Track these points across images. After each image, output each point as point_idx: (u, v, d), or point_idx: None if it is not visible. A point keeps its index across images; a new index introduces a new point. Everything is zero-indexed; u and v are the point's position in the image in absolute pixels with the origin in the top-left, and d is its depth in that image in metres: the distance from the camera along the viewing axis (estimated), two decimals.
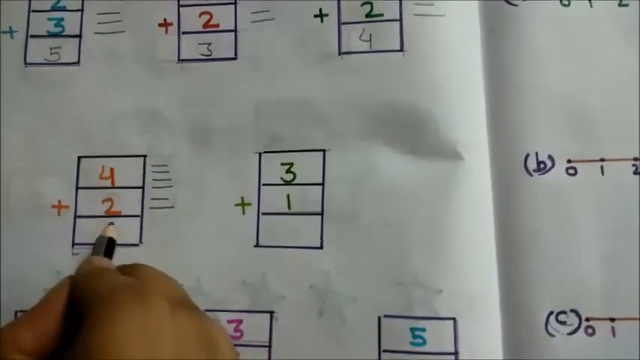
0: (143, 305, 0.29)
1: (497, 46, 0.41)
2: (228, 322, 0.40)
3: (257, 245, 0.40)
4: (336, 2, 0.42)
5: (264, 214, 0.41)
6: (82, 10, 0.44)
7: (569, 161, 0.40)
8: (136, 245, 0.41)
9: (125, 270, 0.34)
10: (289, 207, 0.41)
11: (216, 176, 0.41)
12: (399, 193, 0.39)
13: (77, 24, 0.44)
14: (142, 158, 0.42)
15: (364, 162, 0.40)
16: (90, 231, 0.41)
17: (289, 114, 0.41)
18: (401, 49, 0.41)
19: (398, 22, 0.41)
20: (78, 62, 0.43)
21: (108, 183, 0.42)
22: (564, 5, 0.42)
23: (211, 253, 0.40)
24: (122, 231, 0.41)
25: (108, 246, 0.39)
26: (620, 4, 0.42)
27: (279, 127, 0.41)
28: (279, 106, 0.41)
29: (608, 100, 0.41)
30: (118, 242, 0.41)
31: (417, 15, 0.41)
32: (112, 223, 0.41)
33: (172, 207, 0.41)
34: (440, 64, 0.40)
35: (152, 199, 0.41)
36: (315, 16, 0.42)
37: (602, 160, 0.40)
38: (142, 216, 0.41)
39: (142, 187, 0.42)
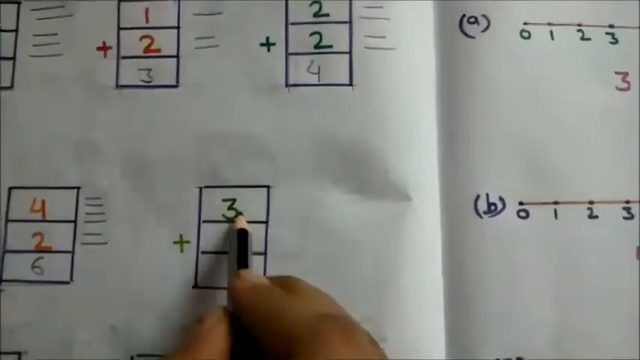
0: (354, 343, 0.26)
1: (451, 82, 0.40)
2: None
3: (195, 286, 0.39)
4: (283, 31, 0.40)
5: (203, 252, 0.39)
6: (16, 30, 0.42)
7: (520, 203, 0.39)
8: (66, 283, 0.39)
9: (282, 286, 0.31)
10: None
11: (153, 211, 0.39)
12: (345, 234, 0.38)
13: (11, 45, 0.42)
14: (75, 190, 0.40)
15: (310, 200, 0.39)
16: (18, 267, 0.39)
17: (232, 147, 0.40)
18: (350, 84, 0.40)
19: (347, 55, 0.40)
20: (11, 86, 0.41)
21: (39, 216, 0.40)
22: (524, 38, 0.41)
23: (146, 293, 0.38)
24: (51, 268, 0.39)
25: (241, 240, 0.36)
26: (582, 38, 0.41)
27: (221, 160, 0.39)
28: (221, 139, 0.40)
29: (564, 140, 0.40)
30: (47, 280, 0.39)
31: (367, 48, 0.40)
32: (240, 213, 0.38)
33: (105, 243, 0.39)
34: (390, 100, 0.39)
35: (84, 234, 0.39)
36: (262, 44, 0.41)
37: (556, 202, 0.39)
38: (73, 252, 0.39)
39: (75, 221, 0.40)
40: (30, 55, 0.41)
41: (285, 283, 0.31)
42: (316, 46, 0.40)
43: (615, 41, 0.41)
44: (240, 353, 0.29)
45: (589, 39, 0.41)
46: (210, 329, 0.29)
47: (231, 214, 0.39)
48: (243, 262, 0.35)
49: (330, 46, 0.40)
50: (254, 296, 0.30)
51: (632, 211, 0.39)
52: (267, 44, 0.41)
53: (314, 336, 0.26)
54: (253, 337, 0.28)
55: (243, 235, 0.36)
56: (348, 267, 0.38)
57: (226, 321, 0.29)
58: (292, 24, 0.41)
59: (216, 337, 0.29)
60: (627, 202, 0.39)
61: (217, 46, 0.41)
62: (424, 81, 0.40)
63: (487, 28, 0.41)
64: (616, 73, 0.41)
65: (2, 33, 0.42)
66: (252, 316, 0.29)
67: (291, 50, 0.40)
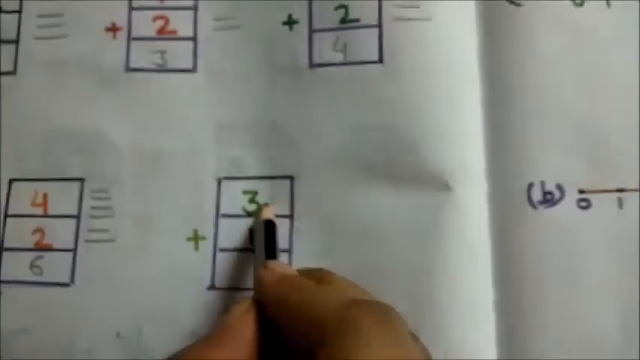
0: (390, 327, 0.25)
1: (496, 56, 0.38)
2: None
3: (211, 287, 0.36)
4: (307, 6, 0.39)
5: (221, 250, 0.37)
6: (19, 11, 0.40)
7: (581, 192, 0.36)
8: (67, 285, 0.37)
9: (313, 278, 0.30)
10: (252, 243, 0.37)
11: (165, 205, 0.37)
12: (377, 230, 0.36)
13: (14, 27, 0.40)
14: (79, 182, 0.38)
15: (338, 192, 0.37)
16: (15, 267, 0.37)
17: (254, 136, 0.38)
18: (380, 61, 0.37)
19: (377, 29, 0.37)
20: (14, 72, 0.40)
21: (40, 211, 0.38)
22: (577, 5, 0.38)
23: (157, 296, 0.36)
24: (51, 268, 0.37)
25: (268, 232, 0.34)
26: None
27: (241, 150, 0.38)
28: (242, 127, 0.38)
29: (628, 119, 0.37)
30: (46, 281, 0.37)
31: (398, 19, 0.37)
32: (266, 203, 0.37)
33: (113, 240, 0.37)
34: (426, 79, 0.37)
35: (89, 230, 0.37)
36: (284, 23, 0.39)
37: (621, 190, 0.36)
38: (75, 250, 0.37)
39: (78, 217, 0.38)
40: (34, 38, 0.40)
41: (315, 275, 0.31)
42: (342, 21, 0.38)
43: None
44: (267, 347, 0.28)
45: None
46: (238, 320, 0.28)
47: (252, 207, 0.37)
48: (271, 254, 0.33)
49: (358, 20, 0.38)
50: (282, 287, 0.29)
51: None
52: (290, 22, 0.39)
53: (345, 322, 0.24)
54: (281, 330, 0.27)
55: (270, 226, 0.35)
56: (379, 267, 0.36)
57: (254, 311, 0.29)
58: None
59: (244, 328, 0.28)
60: None
61: (238, 27, 0.39)
62: (465, 55, 0.38)
63: None
64: None
65: (4, 15, 0.40)
66: (280, 308, 0.28)
67: (315, 27, 0.38)
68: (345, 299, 0.26)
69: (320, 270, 0.32)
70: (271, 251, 0.33)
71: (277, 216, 0.36)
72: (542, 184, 0.36)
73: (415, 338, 0.27)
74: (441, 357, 0.33)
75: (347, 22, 0.38)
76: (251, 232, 0.37)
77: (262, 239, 0.34)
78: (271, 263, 0.32)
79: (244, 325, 0.28)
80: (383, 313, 0.26)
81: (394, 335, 0.25)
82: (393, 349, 0.24)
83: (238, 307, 0.29)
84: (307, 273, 0.31)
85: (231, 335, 0.28)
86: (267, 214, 0.35)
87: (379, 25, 0.38)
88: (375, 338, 0.24)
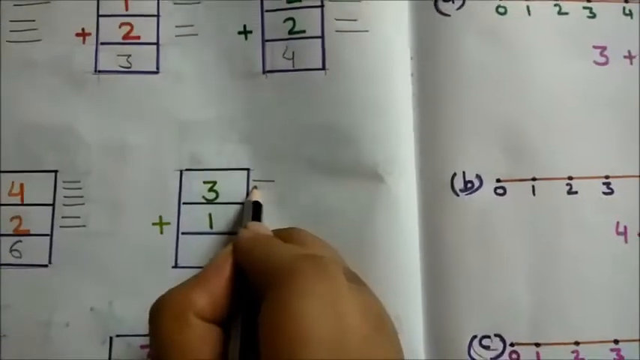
0: (326, 278, 0.28)
1: (427, 61, 0.40)
2: (142, 347, 0.38)
3: (175, 266, 0.39)
4: (259, 18, 0.41)
5: (183, 233, 0.39)
6: None
7: (498, 180, 0.39)
8: (44, 266, 0.39)
9: (282, 236, 0.33)
10: (211, 226, 0.39)
11: (132, 194, 0.40)
12: (318, 215, 0.39)
13: None
14: (54, 174, 0.40)
15: (286, 182, 0.39)
16: None
17: (212, 132, 0.40)
18: (323, 68, 0.40)
19: (320, 40, 0.40)
20: None
21: (17, 200, 0.40)
22: (500, 14, 0.40)
23: (125, 275, 0.39)
24: (30, 251, 0.39)
25: (254, 210, 0.38)
26: (559, 13, 0.41)
27: (201, 145, 0.40)
28: (201, 124, 0.40)
29: (542, 116, 0.40)
30: (25, 263, 0.39)
31: (338, 31, 0.40)
32: (255, 187, 0.39)
33: (84, 226, 0.40)
34: (362, 82, 0.39)
35: (63, 217, 0.40)
36: (240, 32, 0.41)
37: (534, 179, 0.39)
38: (51, 235, 0.40)
39: (53, 205, 0.40)
40: (7, 41, 0.41)
41: (287, 234, 0.34)
42: (290, 32, 0.40)
43: (593, 15, 0.41)
44: (240, 292, 0.31)
45: (566, 13, 0.41)
46: (220, 258, 0.32)
47: (211, 195, 0.40)
48: None
49: (304, 31, 0.40)
50: (251, 241, 0.32)
51: (612, 186, 0.39)
52: (245, 32, 0.41)
53: (291, 271, 0.28)
54: (247, 277, 0.31)
55: (257, 207, 0.38)
56: None
57: (232, 257, 0.32)
58: (267, 11, 0.41)
59: (223, 266, 0.31)
60: (607, 177, 0.39)
61: (196, 34, 0.41)
62: (399, 61, 0.40)
63: (462, 5, 0.40)
64: (594, 47, 0.41)
65: None
66: (247, 258, 0.31)
67: (267, 37, 0.41)
68: (298, 253, 0.30)
69: (292, 229, 0.35)
70: None
71: (233, 203, 0.39)
72: (464, 174, 0.39)
73: (356, 282, 0.30)
74: None
75: (294, 33, 0.40)
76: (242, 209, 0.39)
77: (250, 215, 0.37)
78: (251, 224, 0.35)
79: (223, 267, 0.31)
80: (324, 263, 0.28)
81: (332, 280, 0.28)
82: (322, 296, 0.27)
83: (217, 256, 0.32)
84: (280, 232, 0.34)
85: (214, 275, 0.31)
86: (256, 196, 0.38)
87: (322, 36, 0.40)
88: (315, 284, 0.27)
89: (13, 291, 0.39)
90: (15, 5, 0.42)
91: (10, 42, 0.42)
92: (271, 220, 0.39)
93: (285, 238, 0.33)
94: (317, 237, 0.34)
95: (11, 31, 0.42)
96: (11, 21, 0.42)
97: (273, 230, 0.35)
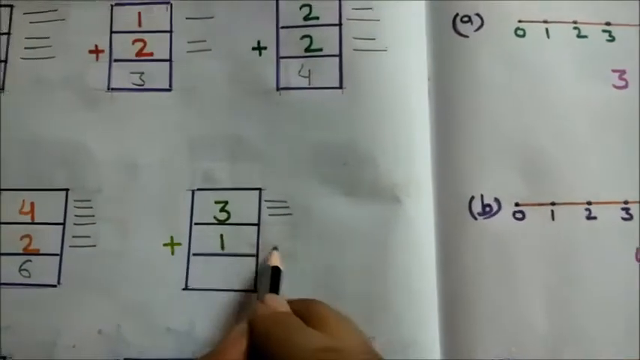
0: None
1: (445, 82, 0.40)
2: None
3: (186, 288, 0.38)
4: (274, 34, 0.40)
5: (195, 254, 0.39)
6: (8, 33, 0.42)
7: (517, 204, 0.39)
8: (54, 286, 0.39)
9: (300, 312, 0.32)
10: (222, 247, 0.39)
11: (143, 213, 0.39)
12: (334, 237, 0.38)
13: (3, 47, 0.42)
14: (64, 192, 0.40)
15: (300, 203, 0.39)
16: (5, 270, 0.39)
17: (225, 150, 0.40)
18: (340, 87, 0.39)
19: (337, 58, 0.40)
20: (2, 88, 0.41)
21: (28, 218, 0.40)
22: (519, 36, 0.40)
23: (135, 297, 0.38)
24: (39, 271, 0.39)
25: (273, 277, 0.36)
26: (578, 36, 0.41)
27: (213, 164, 0.40)
28: (214, 142, 0.40)
29: (561, 140, 0.39)
30: (34, 283, 0.39)
31: (356, 50, 0.40)
32: (275, 248, 0.38)
33: (94, 245, 0.39)
34: (380, 103, 0.39)
35: (73, 236, 0.39)
36: (254, 48, 0.41)
37: (553, 203, 0.39)
38: (61, 255, 0.39)
39: (63, 224, 0.39)
40: (21, 58, 0.42)
41: (306, 311, 0.32)
42: (307, 50, 0.40)
43: (612, 39, 0.41)
44: None
45: (585, 36, 0.41)
46: (231, 343, 0.31)
47: (223, 216, 0.39)
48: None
49: (321, 49, 0.40)
50: (269, 322, 0.31)
51: (631, 211, 0.39)
52: (259, 48, 0.41)
53: None
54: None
55: (276, 272, 0.37)
56: (336, 270, 0.38)
57: (246, 338, 0.31)
58: (283, 27, 0.41)
59: (234, 352, 0.30)
60: (626, 202, 0.39)
61: (209, 50, 0.41)
62: (417, 82, 0.40)
63: (481, 26, 0.40)
64: (613, 70, 0.40)
65: None
66: (264, 340, 0.30)
67: (282, 54, 0.40)
68: (315, 346, 0.29)
69: (311, 304, 0.33)
70: (274, 293, 0.36)
71: (245, 224, 0.39)
72: (482, 197, 0.39)
73: None
74: (387, 344, 0.36)
75: (311, 50, 0.40)
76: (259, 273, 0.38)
77: (267, 283, 0.36)
78: (268, 298, 0.34)
79: (235, 349, 0.30)
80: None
81: None
82: None
83: (233, 332, 0.31)
84: (299, 305, 0.33)
85: (232, 346, 0.30)
86: (275, 260, 0.37)
87: (340, 55, 0.40)
88: None
89: (19, 311, 0.38)
90: (31, 23, 0.42)
91: (24, 59, 0.41)
92: (283, 242, 0.38)
93: (304, 315, 0.32)
94: (336, 313, 0.33)
95: (26, 48, 0.42)
96: (26, 38, 0.42)
97: (289, 302, 0.34)
